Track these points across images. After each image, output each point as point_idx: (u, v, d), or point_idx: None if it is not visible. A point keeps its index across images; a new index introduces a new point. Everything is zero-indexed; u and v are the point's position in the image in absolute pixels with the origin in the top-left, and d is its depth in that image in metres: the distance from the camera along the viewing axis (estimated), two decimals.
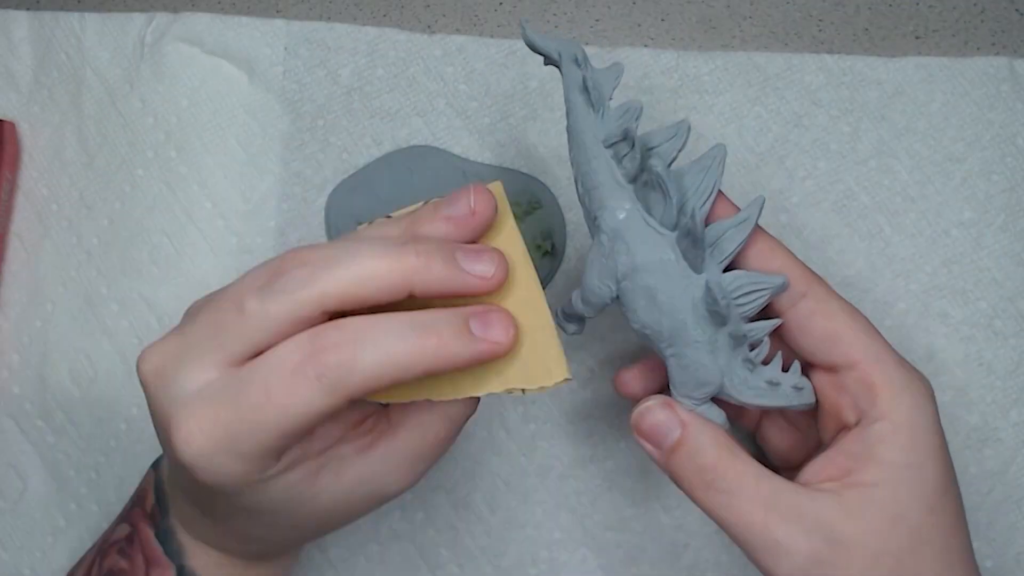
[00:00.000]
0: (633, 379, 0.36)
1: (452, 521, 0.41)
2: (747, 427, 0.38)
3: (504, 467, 0.41)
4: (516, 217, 0.41)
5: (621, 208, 0.30)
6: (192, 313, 0.29)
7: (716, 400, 0.32)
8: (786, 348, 0.32)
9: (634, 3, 0.45)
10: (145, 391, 0.28)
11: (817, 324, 0.31)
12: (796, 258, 0.32)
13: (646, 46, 0.44)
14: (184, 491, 0.31)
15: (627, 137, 0.30)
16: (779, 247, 0.32)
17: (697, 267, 0.30)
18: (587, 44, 0.44)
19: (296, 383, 0.26)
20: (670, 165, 0.31)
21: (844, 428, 0.31)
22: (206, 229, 0.44)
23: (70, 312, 0.44)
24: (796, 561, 0.29)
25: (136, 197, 0.44)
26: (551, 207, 0.42)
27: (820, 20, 0.44)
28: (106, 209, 0.44)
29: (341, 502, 0.30)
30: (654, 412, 0.31)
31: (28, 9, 0.46)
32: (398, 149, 0.43)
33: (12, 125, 0.45)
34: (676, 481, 0.31)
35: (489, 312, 0.29)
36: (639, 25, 0.44)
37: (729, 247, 0.30)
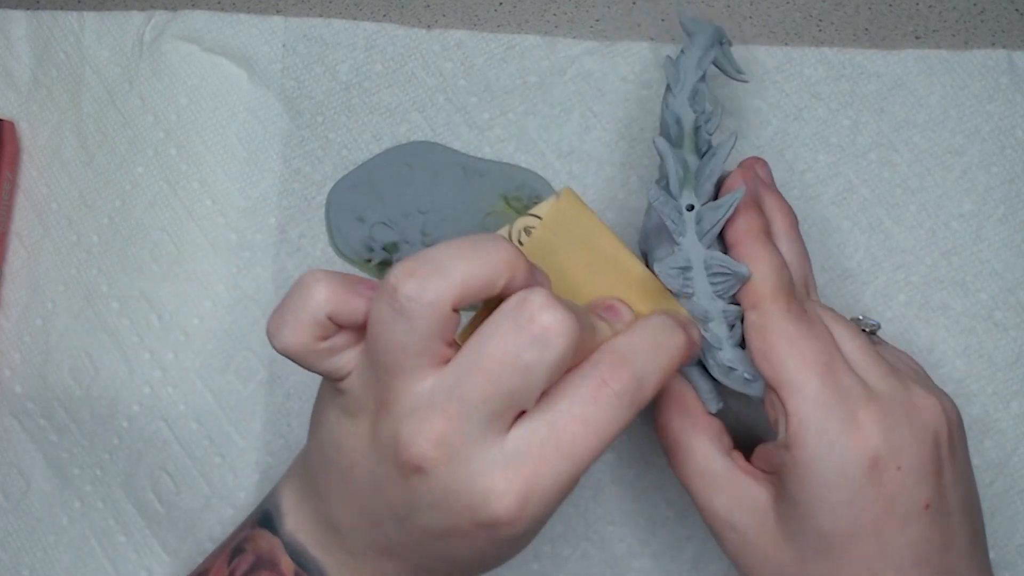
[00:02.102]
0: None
1: None
2: None
3: None
4: (516, 211, 0.42)
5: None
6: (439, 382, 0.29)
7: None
8: None
9: (634, 3, 0.45)
10: (424, 471, 0.28)
11: (754, 339, 0.32)
12: (775, 264, 0.33)
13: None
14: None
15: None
16: (762, 249, 0.33)
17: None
18: (588, 43, 0.44)
19: (600, 408, 0.28)
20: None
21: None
22: (206, 226, 0.44)
23: (71, 310, 0.44)
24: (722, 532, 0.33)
25: (136, 195, 0.44)
26: None
27: (820, 20, 0.44)
28: (106, 207, 0.44)
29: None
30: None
31: (26, 8, 0.46)
32: (397, 145, 0.43)
33: (11, 124, 0.45)
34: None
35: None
36: (639, 25, 0.44)
37: (707, 225, 0.33)
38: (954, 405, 0.33)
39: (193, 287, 0.43)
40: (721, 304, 0.33)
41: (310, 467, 0.33)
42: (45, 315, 0.44)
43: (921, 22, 0.44)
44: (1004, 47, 0.43)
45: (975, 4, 0.44)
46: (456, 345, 0.29)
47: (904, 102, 0.42)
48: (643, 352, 0.30)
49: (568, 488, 0.28)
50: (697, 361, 0.34)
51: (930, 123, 0.42)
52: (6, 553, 0.43)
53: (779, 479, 0.32)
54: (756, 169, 0.37)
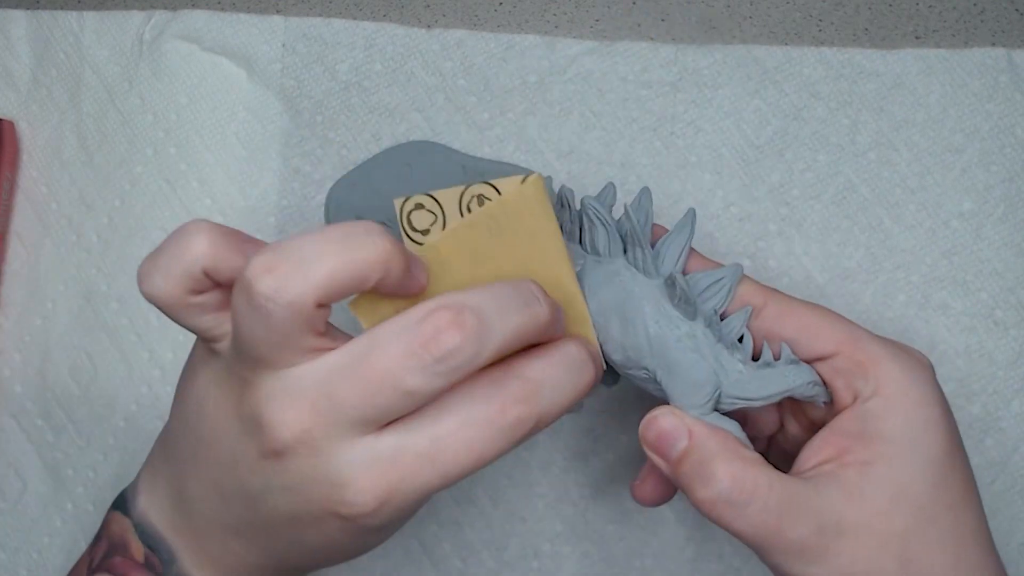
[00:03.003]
0: (645, 487, 0.34)
1: (454, 515, 0.41)
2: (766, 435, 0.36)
3: (506, 461, 0.41)
4: None
5: (576, 264, 0.32)
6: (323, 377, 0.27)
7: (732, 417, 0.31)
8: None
9: (634, 3, 0.45)
10: (284, 456, 0.27)
11: (788, 324, 0.31)
12: (749, 278, 0.32)
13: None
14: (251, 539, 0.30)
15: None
16: (709, 262, 0.33)
17: (650, 274, 0.31)
18: (587, 43, 0.44)
19: (491, 434, 0.27)
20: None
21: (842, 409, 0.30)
22: None
23: (70, 310, 0.44)
24: (807, 557, 0.28)
25: (136, 195, 0.44)
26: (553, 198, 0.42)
27: (820, 20, 0.44)
28: (106, 207, 0.44)
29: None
30: (659, 420, 0.30)
31: (26, 8, 0.46)
32: (397, 145, 0.43)
33: (11, 124, 0.45)
34: (687, 492, 0.30)
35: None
36: (639, 25, 0.45)
37: (673, 253, 0.31)
38: None
39: None
40: (724, 321, 0.31)
41: (169, 434, 0.32)
42: (45, 315, 0.44)
43: (921, 22, 0.44)
44: (1004, 47, 0.43)
45: (975, 4, 0.44)
46: (330, 333, 0.27)
47: (904, 101, 0.42)
48: (553, 386, 0.28)
49: (433, 494, 0.27)
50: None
51: (930, 122, 0.42)
52: (4, 553, 0.43)
53: (866, 442, 0.29)
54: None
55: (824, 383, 0.31)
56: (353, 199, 0.43)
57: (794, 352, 0.31)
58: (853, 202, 0.42)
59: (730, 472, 0.28)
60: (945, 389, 0.40)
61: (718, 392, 0.30)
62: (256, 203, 0.44)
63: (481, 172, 0.43)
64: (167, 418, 0.42)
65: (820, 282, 0.41)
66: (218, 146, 0.44)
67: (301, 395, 0.26)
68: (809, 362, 0.31)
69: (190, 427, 0.30)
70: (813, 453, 0.30)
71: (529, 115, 0.43)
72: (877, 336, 0.30)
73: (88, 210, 0.44)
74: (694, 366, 0.30)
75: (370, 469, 0.26)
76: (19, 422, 0.43)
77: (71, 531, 0.43)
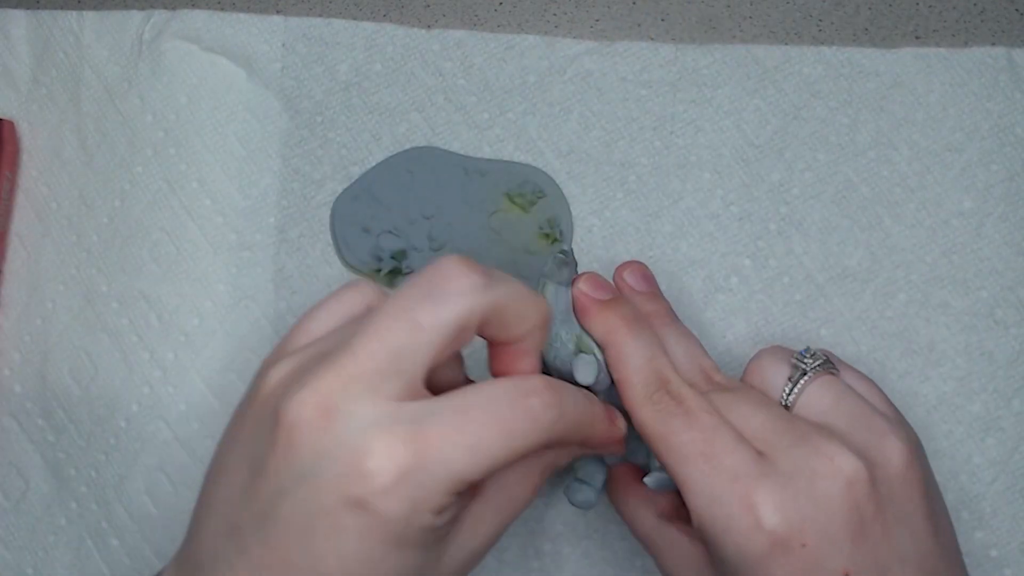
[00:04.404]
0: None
1: None
2: None
3: None
4: (520, 208, 0.42)
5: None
6: (328, 336, 0.28)
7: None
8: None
9: (634, 3, 0.45)
10: (297, 433, 0.26)
11: (645, 437, 0.32)
12: (640, 360, 0.32)
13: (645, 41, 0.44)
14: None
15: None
16: (628, 343, 0.33)
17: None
18: (587, 43, 0.44)
19: (513, 415, 0.27)
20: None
21: None
22: (206, 226, 0.44)
23: (70, 310, 0.44)
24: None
25: (135, 195, 0.44)
26: (555, 195, 0.42)
27: (820, 20, 0.44)
28: (106, 207, 0.44)
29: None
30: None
31: (26, 8, 0.46)
32: (396, 153, 0.43)
33: (11, 124, 0.45)
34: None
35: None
36: (639, 25, 0.45)
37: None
38: (907, 445, 0.31)
39: (193, 287, 0.43)
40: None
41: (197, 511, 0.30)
42: (45, 315, 0.44)
43: (921, 22, 0.44)
44: (1004, 46, 0.43)
45: (975, 4, 0.44)
46: None
47: (903, 100, 0.42)
48: (575, 399, 0.29)
49: (452, 494, 0.26)
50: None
51: (929, 121, 0.42)
52: (9, 552, 0.43)
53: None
54: (623, 275, 0.37)
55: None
56: (357, 211, 0.43)
57: None
58: (853, 201, 0.42)
59: (622, 502, 0.36)
60: (945, 388, 0.40)
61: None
62: (256, 203, 0.44)
63: (482, 172, 0.43)
64: (169, 419, 0.43)
65: (820, 281, 0.41)
66: (218, 146, 0.44)
67: (313, 372, 0.26)
68: None
69: (212, 472, 0.30)
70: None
71: (529, 115, 0.43)
72: (712, 489, 0.30)
73: (88, 210, 0.44)
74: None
75: (391, 431, 0.25)
76: (19, 422, 0.43)
77: (76, 530, 0.43)
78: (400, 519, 0.25)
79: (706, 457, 0.30)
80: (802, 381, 0.32)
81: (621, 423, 0.32)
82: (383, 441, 0.25)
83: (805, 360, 0.33)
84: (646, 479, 0.33)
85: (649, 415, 0.31)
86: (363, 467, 0.24)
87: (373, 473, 0.24)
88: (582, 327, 0.34)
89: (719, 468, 0.29)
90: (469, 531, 0.29)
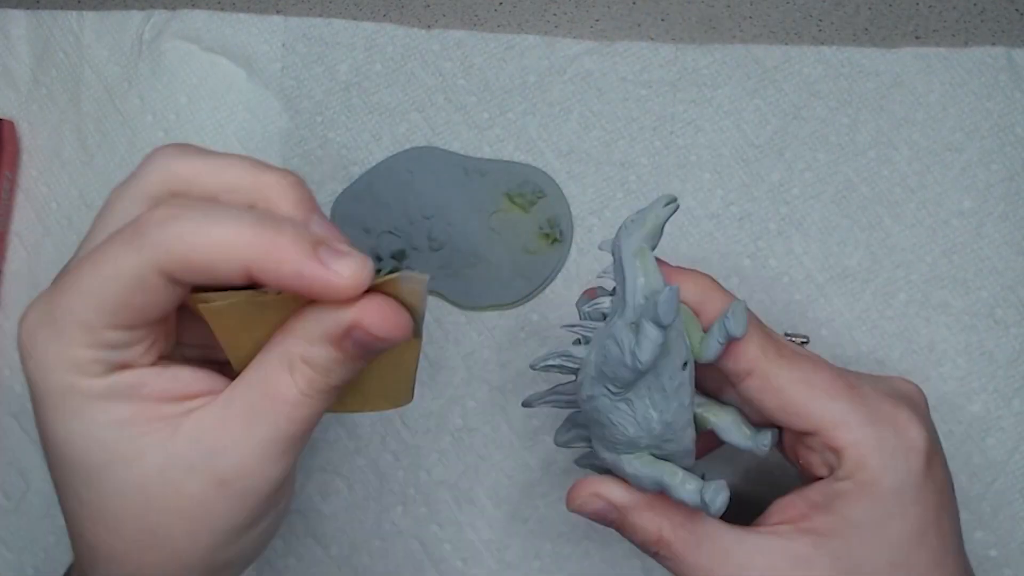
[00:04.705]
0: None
1: (455, 516, 0.41)
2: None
3: (507, 461, 0.41)
4: (520, 208, 0.42)
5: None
6: None
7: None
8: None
9: (634, 3, 0.45)
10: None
11: (768, 400, 0.31)
12: (755, 331, 0.31)
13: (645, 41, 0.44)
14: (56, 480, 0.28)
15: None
16: (751, 335, 0.31)
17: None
18: (587, 43, 0.44)
19: (111, 241, 0.25)
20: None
21: (817, 478, 0.31)
22: None
23: None
24: None
25: None
26: (555, 195, 0.42)
27: (820, 20, 0.44)
28: None
29: (169, 476, 0.26)
30: (589, 506, 0.32)
31: (26, 8, 0.46)
32: (396, 153, 0.43)
33: (11, 124, 0.44)
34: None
35: (350, 250, 0.26)
36: (639, 25, 0.45)
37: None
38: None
39: None
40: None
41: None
42: None
43: (921, 22, 0.44)
44: (1004, 46, 0.43)
45: (975, 4, 0.44)
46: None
47: (903, 100, 0.42)
48: (201, 217, 0.26)
49: (64, 322, 0.26)
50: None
51: (929, 121, 0.42)
52: (10, 552, 0.43)
53: (828, 516, 0.30)
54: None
55: (781, 441, 0.32)
56: (357, 211, 0.43)
57: (777, 424, 0.31)
58: (853, 201, 0.42)
59: (663, 536, 0.31)
60: (945, 388, 0.40)
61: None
62: None
63: (482, 172, 0.43)
64: None
65: (820, 281, 0.41)
66: (218, 146, 0.44)
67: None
68: (791, 431, 0.31)
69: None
70: (777, 511, 0.31)
71: (529, 115, 0.43)
72: (863, 413, 0.30)
73: (88, 210, 0.44)
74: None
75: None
76: (20, 422, 0.43)
77: None
78: (46, 370, 0.26)
79: (850, 389, 0.30)
80: None
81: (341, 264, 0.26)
82: (32, 306, 0.26)
83: (799, 337, 0.35)
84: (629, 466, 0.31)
85: (779, 364, 0.30)
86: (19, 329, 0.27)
87: (20, 332, 0.27)
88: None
89: (864, 398, 0.30)
90: (218, 438, 0.27)
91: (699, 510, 0.30)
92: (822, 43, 0.44)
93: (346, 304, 0.26)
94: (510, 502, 0.41)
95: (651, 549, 0.32)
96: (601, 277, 0.32)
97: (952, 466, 0.40)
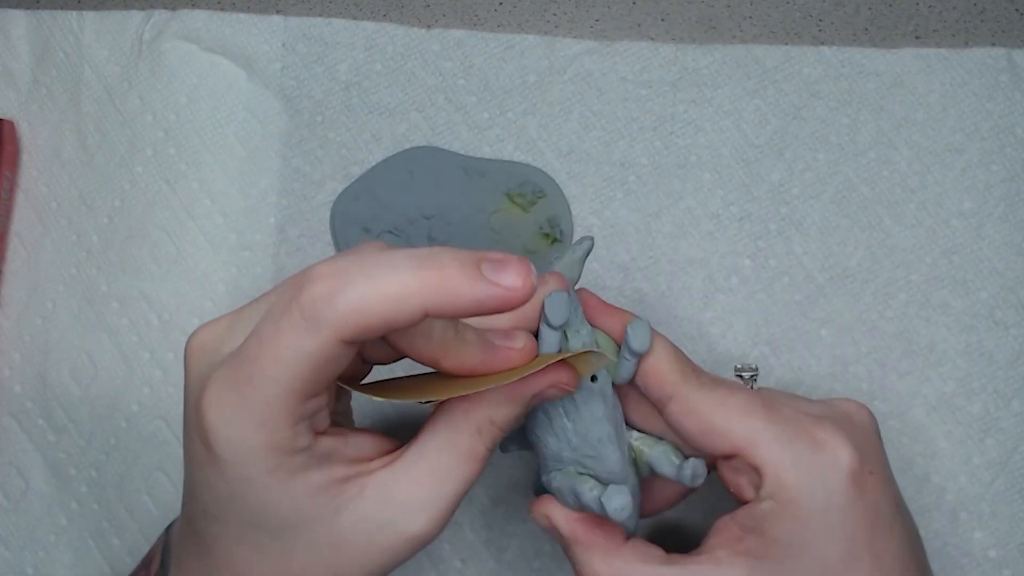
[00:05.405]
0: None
1: (454, 515, 0.41)
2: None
3: (507, 461, 0.41)
4: (520, 208, 0.42)
5: None
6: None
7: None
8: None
9: (634, 3, 0.45)
10: (185, 365, 0.28)
11: (689, 424, 0.31)
12: (668, 346, 0.32)
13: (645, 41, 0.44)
14: (196, 513, 0.29)
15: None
16: (671, 364, 0.32)
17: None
18: (587, 43, 0.44)
19: (282, 325, 0.25)
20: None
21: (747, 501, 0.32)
22: (206, 226, 0.44)
23: (70, 310, 0.44)
24: None
25: (135, 195, 0.44)
26: (555, 195, 0.42)
27: (820, 20, 0.44)
28: (106, 207, 0.44)
29: (362, 531, 0.28)
30: (540, 523, 0.34)
31: (26, 8, 0.46)
32: (396, 153, 0.43)
33: (11, 124, 0.45)
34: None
35: (507, 258, 0.26)
36: (639, 25, 0.45)
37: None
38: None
39: (193, 287, 0.43)
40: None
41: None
42: (45, 315, 0.44)
43: (921, 22, 0.44)
44: (1004, 47, 0.43)
45: (975, 4, 0.44)
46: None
47: (903, 100, 0.42)
48: (361, 273, 0.26)
49: (259, 411, 0.26)
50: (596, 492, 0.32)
51: (929, 121, 0.42)
52: (9, 551, 0.43)
53: (759, 538, 0.31)
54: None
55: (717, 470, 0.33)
56: (358, 211, 0.43)
57: (701, 452, 0.32)
58: (853, 201, 0.42)
59: (615, 568, 0.32)
60: (945, 389, 0.40)
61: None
62: (256, 203, 0.44)
63: (482, 172, 0.43)
64: (169, 419, 0.43)
65: (820, 282, 0.41)
66: (218, 146, 0.44)
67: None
68: (712, 459, 0.32)
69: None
70: (715, 533, 0.32)
71: (529, 115, 0.43)
72: (785, 433, 0.30)
73: (88, 210, 0.44)
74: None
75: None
76: (20, 422, 0.43)
77: (78, 529, 0.43)
78: (242, 453, 0.26)
79: (767, 409, 0.31)
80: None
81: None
82: (215, 382, 0.26)
83: (749, 368, 0.36)
84: (605, 496, 0.31)
85: (696, 387, 0.31)
86: (202, 403, 0.26)
87: (205, 409, 0.26)
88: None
89: (782, 418, 0.31)
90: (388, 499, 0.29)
91: (621, 543, 0.32)
92: (822, 43, 0.44)
93: (539, 374, 0.29)
94: (509, 502, 0.41)
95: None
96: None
97: (951, 466, 0.40)
